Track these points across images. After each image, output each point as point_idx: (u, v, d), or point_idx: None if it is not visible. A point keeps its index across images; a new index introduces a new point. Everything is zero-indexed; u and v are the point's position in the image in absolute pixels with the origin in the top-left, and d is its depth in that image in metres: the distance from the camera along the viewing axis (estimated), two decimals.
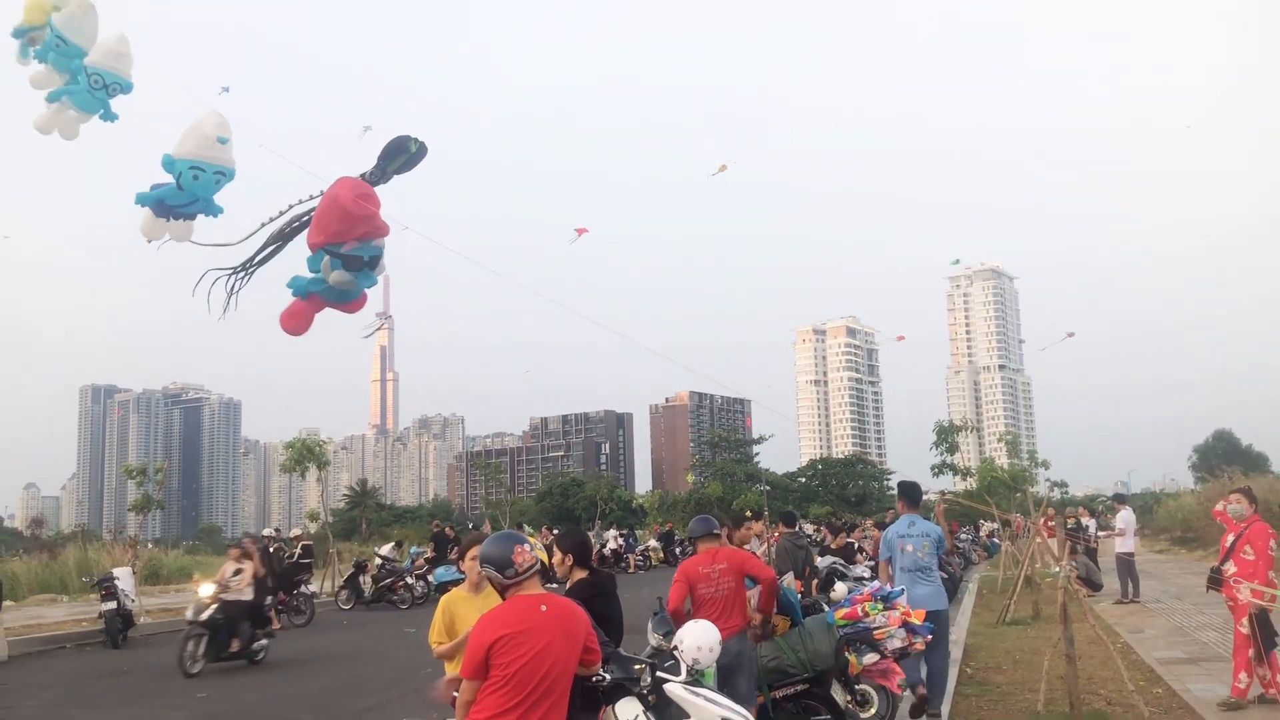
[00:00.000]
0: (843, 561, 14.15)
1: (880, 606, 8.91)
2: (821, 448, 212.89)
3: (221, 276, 7.51)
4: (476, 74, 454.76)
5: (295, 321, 7.40)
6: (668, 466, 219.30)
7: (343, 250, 6.91)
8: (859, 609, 8.82)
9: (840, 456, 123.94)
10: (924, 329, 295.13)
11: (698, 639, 6.24)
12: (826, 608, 9.39)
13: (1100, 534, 23.69)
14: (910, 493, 10.17)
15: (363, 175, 7.30)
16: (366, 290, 7.49)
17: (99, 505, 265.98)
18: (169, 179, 7.39)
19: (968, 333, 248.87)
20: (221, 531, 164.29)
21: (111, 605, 17.47)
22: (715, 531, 7.87)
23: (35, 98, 8.36)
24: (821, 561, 13.39)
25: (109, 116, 7.82)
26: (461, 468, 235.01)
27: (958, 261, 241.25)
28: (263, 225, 7.56)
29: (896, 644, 8.79)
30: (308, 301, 7.32)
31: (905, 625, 8.74)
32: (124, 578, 18.27)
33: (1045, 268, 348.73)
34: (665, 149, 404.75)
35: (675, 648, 6.36)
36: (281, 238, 7.52)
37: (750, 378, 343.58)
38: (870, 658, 8.60)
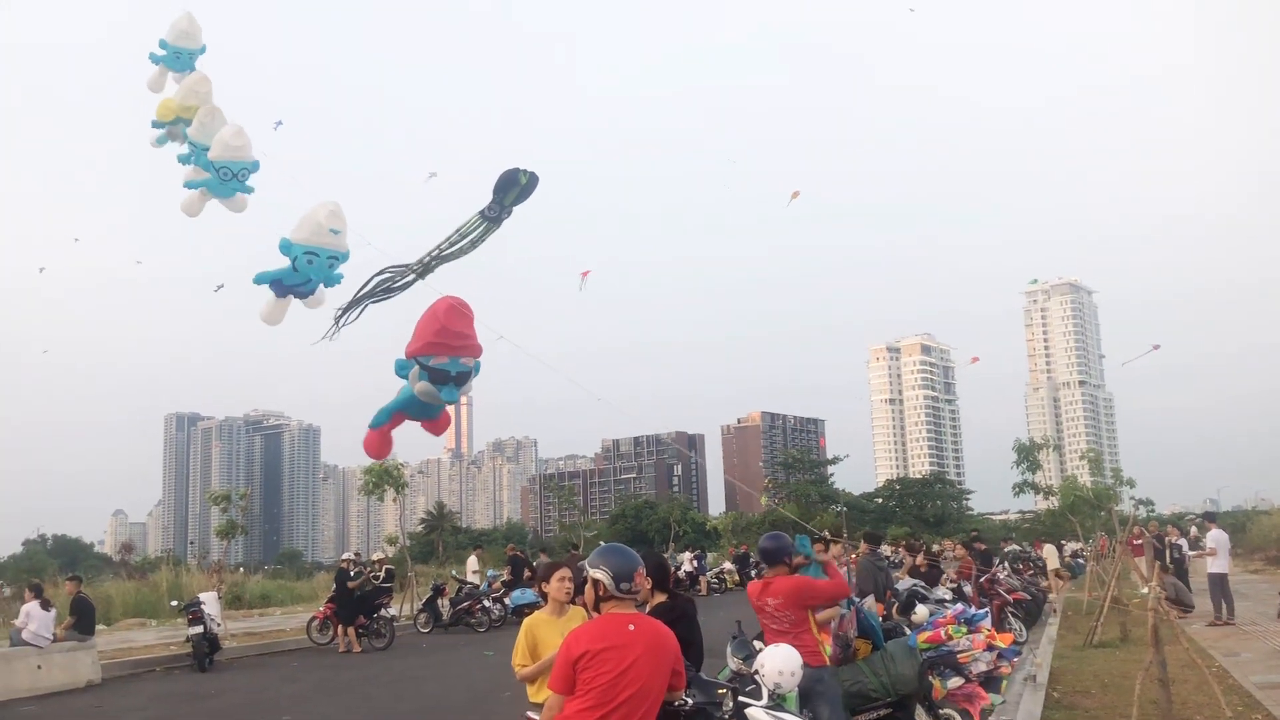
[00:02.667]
0: (924, 584, 13.91)
1: (964, 629, 8.77)
2: (898, 468, 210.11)
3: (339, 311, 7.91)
4: (553, 91, 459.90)
5: (378, 448, 7.84)
6: (741, 488, 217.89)
7: (431, 363, 7.21)
8: (942, 632, 8.68)
9: (918, 476, 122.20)
10: (1001, 345, 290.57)
11: (779, 663, 6.19)
12: (908, 630, 9.26)
13: (1191, 553, 23.01)
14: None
15: (482, 211, 7.64)
16: (449, 408, 7.89)
17: (184, 530, 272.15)
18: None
19: (1046, 348, 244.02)
20: (302, 556, 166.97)
21: (198, 629, 17.85)
22: (783, 559, 7.22)
23: (137, 137, 9.65)
24: (902, 584, 13.18)
25: (246, 190, 8.90)
26: (535, 490, 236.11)
27: (1035, 281, 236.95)
28: (368, 286, 7.98)
29: (981, 668, 8.63)
30: (390, 424, 7.70)
31: (990, 648, 8.59)
32: (210, 602, 18.66)
33: (1127, 280, 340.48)
34: (735, 165, 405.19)
35: (756, 672, 6.32)
36: (386, 289, 7.89)
37: (823, 397, 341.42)
38: (954, 682, 8.46)
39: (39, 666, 15.70)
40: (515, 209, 8.10)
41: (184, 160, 9.71)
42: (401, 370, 7.45)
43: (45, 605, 16.58)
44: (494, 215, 7.91)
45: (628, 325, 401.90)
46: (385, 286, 7.95)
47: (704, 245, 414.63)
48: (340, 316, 8.02)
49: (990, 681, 8.71)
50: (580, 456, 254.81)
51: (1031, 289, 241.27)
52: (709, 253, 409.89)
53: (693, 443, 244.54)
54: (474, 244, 7.96)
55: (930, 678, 8.26)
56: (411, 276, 7.91)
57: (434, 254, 7.94)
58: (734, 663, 8.40)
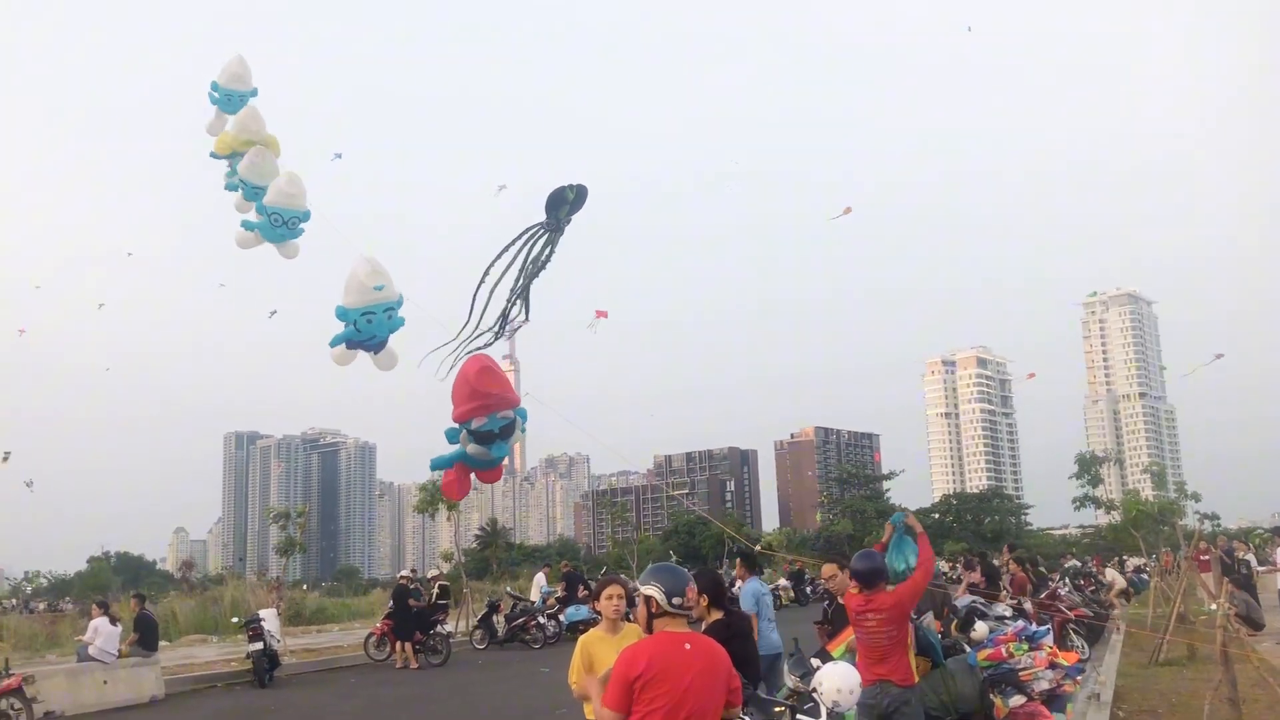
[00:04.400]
0: (983, 600, 13.69)
1: (1025, 647, 8.63)
2: (954, 482, 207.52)
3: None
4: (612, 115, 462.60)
5: (455, 489, 8.07)
6: (795, 503, 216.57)
7: (474, 427, 7.44)
8: (1003, 649, 8.55)
9: (975, 491, 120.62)
10: (1058, 357, 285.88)
11: (837, 681, 6.14)
12: (968, 648, 9.13)
13: (1260, 569, 22.44)
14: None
15: (542, 224, 7.86)
16: (504, 460, 8.17)
17: (243, 547, 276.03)
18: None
19: (1105, 360, 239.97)
20: (359, 573, 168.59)
21: (258, 646, 18.07)
22: (880, 580, 6.96)
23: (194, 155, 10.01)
24: (960, 600, 12.99)
25: (296, 236, 9.32)
26: (588, 506, 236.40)
27: (1095, 294, 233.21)
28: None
29: (1044, 686, 8.49)
30: (458, 469, 7.93)
31: (1053, 666, 8.44)
32: (269, 619, 18.87)
33: (1188, 290, 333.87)
34: (780, 179, 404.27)
35: (814, 689, 6.27)
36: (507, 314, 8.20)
37: (878, 411, 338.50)
38: (1016, 700, 8.32)
39: (105, 682, 16.00)
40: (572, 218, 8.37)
41: (231, 188, 10.05)
42: (452, 437, 7.75)
43: (111, 621, 16.91)
44: (553, 227, 8.17)
45: (680, 340, 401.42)
46: (505, 313, 8.26)
47: (756, 261, 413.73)
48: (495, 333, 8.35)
49: (1054, 700, 8.56)
50: (633, 473, 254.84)
51: (1090, 300, 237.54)
52: (761, 268, 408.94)
53: (745, 458, 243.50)
54: (546, 258, 8.17)
55: (992, 696, 8.13)
56: (517, 300, 8.21)
57: (524, 277, 8.18)
58: (791, 680, 8.35)
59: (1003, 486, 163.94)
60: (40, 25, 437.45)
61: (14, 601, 77.98)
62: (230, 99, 10.47)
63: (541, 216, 8.27)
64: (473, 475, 8.13)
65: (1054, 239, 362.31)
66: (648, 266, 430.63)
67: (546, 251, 8.23)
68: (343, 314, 8.08)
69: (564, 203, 8.13)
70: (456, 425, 7.66)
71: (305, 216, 9.36)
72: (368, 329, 8.10)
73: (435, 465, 8.13)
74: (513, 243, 8.17)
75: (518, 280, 8.25)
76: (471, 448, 7.65)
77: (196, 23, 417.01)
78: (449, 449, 7.95)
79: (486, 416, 7.51)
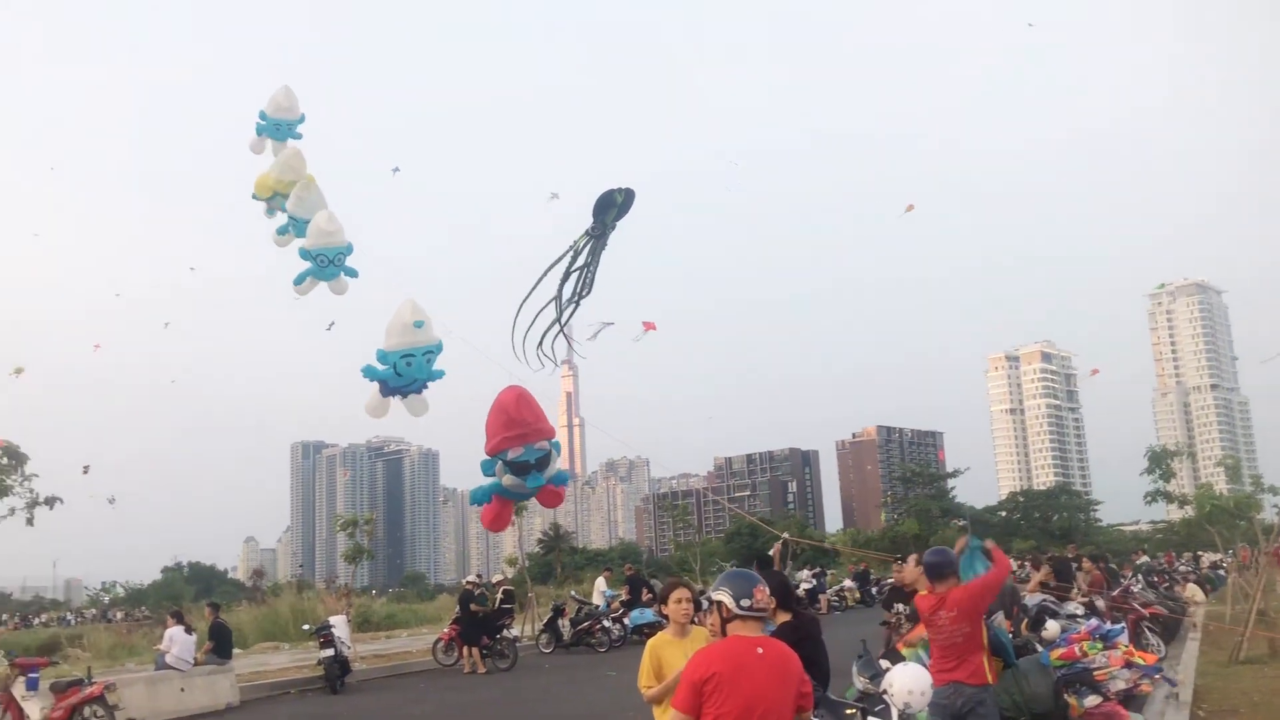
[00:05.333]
0: (1054, 599, 13.48)
1: (1100, 645, 8.49)
2: (1021, 479, 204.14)
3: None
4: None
5: (496, 523, 8.16)
6: (858, 504, 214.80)
7: (509, 458, 7.49)
8: (1076, 648, 8.42)
9: (1042, 488, 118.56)
10: (1125, 349, 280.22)
11: (908, 682, 6.09)
12: (1039, 647, 8.99)
13: None
14: None
15: (588, 231, 7.93)
16: (556, 485, 8.23)
17: (311, 556, 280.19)
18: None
19: (1174, 352, 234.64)
20: (425, 578, 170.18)
21: (330, 652, 18.33)
22: (951, 574, 6.99)
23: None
24: (1031, 599, 12.80)
25: (350, 273, 9.52)
26: (649, 510, 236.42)
27: (1162, 286, 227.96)
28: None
29: (1120, 685, 8.34)
30: (496, 502, 8.01)
31: (1129, 665, 8.28)
32: (339, 626, 19.13)
33: (1260, 278, 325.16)
34: (847, 180, 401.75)
35: (884, 691, 6.22)
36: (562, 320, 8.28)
37: (941, 408, 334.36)
38: (1092, 700, 8.18)
39: (182, 689, 16.35)
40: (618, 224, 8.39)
41: (282, 231, 10.20)
42: (487, 469, 7.81)
43: (186, 630, 17.28)
44: (598, 233, 8.18)
45: (739, 340, 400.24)
46: (561, 318, 8.32)
47: (815, 259, 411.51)
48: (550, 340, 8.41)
49: (1130, 700, 8.40)
50: (693, 475, 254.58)
51: (1157, 292, 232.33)
52: (818, 268, 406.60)
53: (807, 459, 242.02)
54: (591, 265, 8.20)
55: (1066, 696, 8.00)
56: (569, 310, 8.26)
57: (575, 289, 8.23)
58: (860, 682, 8.29)
59: (1070, 483, 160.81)
60: (102, 42, 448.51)
61: (93, 611, 79.99)
62: (279, 127, 10.67)
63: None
64: (531, 500, 8.20)
65: (1118, 231, 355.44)
66: (701, 267, 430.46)
67: (594, 258, 8.26)
68: (382, 357, 8.16)
69: (612, 206, 8.16)
70: (490, 457, 7.72)
71: (348, 250, 9.50)
72: (407, 372, 8.17)
73: (475, 499, 8.23)
74: (565, 255, 8.20)
75: (574, 289, 8.28)
76: (507, 479, 7.71)
77: (252, 39, 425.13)
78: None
79: (522, 447, 7.57)
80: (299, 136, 10.85)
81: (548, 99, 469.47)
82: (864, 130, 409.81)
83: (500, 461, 7.66)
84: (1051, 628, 9.50)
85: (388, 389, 8.30)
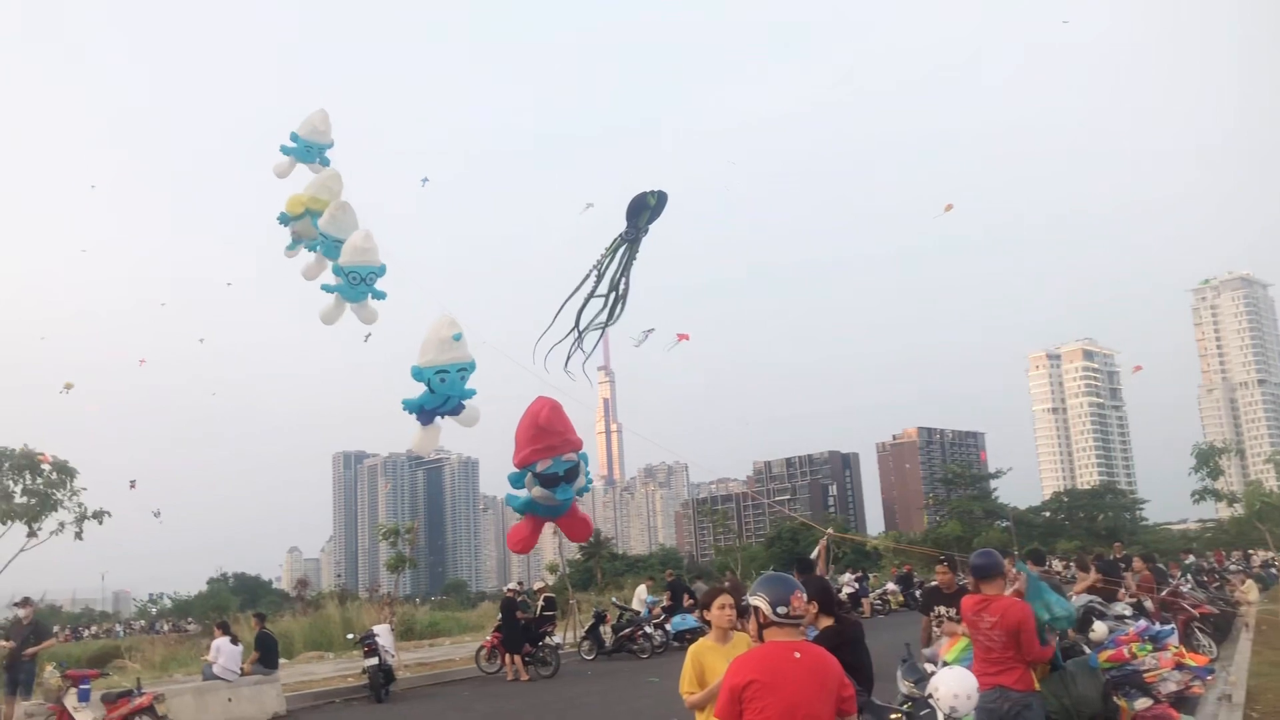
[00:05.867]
0: (1100, 600, 13.29)
1: (1149, 647, 8.36)
2: (1064, 479, 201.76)
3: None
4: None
5: (523, 544, 8.18)
6: (900, 506, 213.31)
7: (538, 469, 7.51)
8: (1125, 650, 8.29)
9: (1086, 487, 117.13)
10: (1168, 346, 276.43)
11: (954, 686, 6.01)
12: (1087, 650, 8.86)
13: None
14: None
15: (622, 234, 7.96)
16: (578, 500, 8.24)
17: (354, 565, 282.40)
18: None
19: (1219, 347, 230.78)
20: (467, 586, 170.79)
21: (374, 661, 18.43)
22: (998, 575, 6.97)
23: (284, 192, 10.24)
24: (1077, 600, 12.62)
25: (378, 296, 9.41)
26: (689, 515, 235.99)
27: (1207, 281, 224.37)
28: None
29: (1171, 688, 8.21)
30: (526, 520, 8.02)
31: (1180, 667, 8.14)
32: (383, 634, 19.23)
33: None
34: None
35: (930, 695, 6.16)
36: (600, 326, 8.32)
37: (982, 409, 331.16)
38: (1142, 703, 8.05)
39: (229, 699, 16.51)
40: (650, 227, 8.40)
41: (311, 248, 10.20)
42: (516, 481, 7.83)
43: (232, 641, 17.45)
44: (632, 237, 8.20)
45: (778, 341, 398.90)
46: (598, 325, 8.33)
47: (850, 256, 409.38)
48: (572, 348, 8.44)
49: (1182, 703, 8.25)
50: (732, 480, 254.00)
51: (1200, 287, 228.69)
52: (857, 264, 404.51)
53: (847, 462, 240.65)
54: (625, 269, 8.22)
55: (1116, 699, 7.87)
56: (607, 314, 8.27)
57: (613, 289, 8.25)
58: (905, 686, 8.22)
59: (1115, 482, 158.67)
60: (142, 61, 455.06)
61: (141, 623, 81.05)
62: (310, 150, 10.69)
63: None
64: (556, 530, 8.22)
65: (1160, 227, 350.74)
66: (734, 269, 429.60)
67: (628, 261, 8.27)
68: (418, 374, 8.20)
69: (645, 209, 8.18)
70: (520, 470, 7.74)
71: (380, 271, 9.47)
72: (441, 389, 8.19)
73: (513, 505, 8.26)
74: (600, 262, 8.22)
75: (608, 295, 8.29)
76: (536, 490, 7.73)
77: (288, 54, 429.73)
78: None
79: (551, 459, 7.59)
80: (326, 162, 10.78)
81: (581, 109, 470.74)
82: (899, 130, 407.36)
83: (529, 474, 7.68)
84: (1099, 629, 9.36)
85: (428, 414, 8.33)
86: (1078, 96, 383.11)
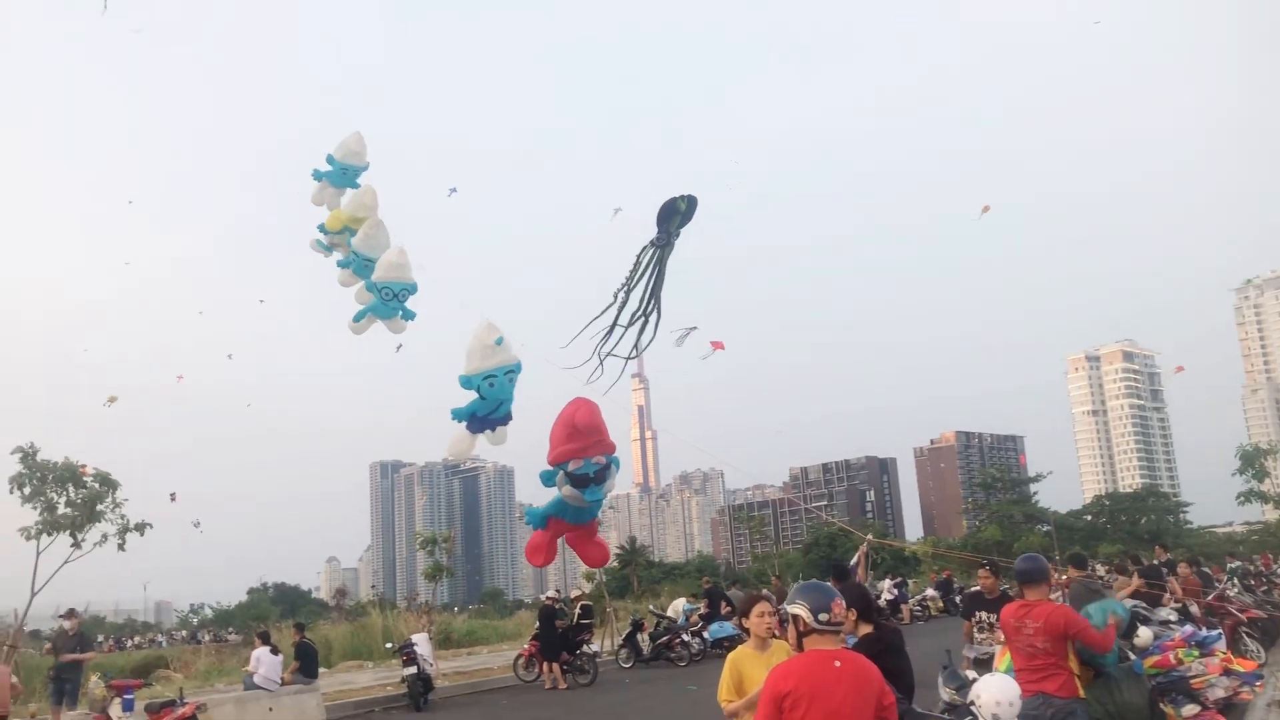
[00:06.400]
0: (1145, 604, 13.10)
1: (1196, 653, 8.21)
2: (1106, 482, 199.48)
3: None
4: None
5: (539, 555, 8.18)
6: (938, 511, 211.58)
7: (570, 469, 7.52)
8: (1171, 656, 8.15)
9: (1128, 491, 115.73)
10: (1211, 346, 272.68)
11: (996, 692, 5.94)
12: (1132, 655, 8.72)
13: None
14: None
15: (653, 241, 7.95)
16: (599, 513, 8.22)
17: (392, 574, 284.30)
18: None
19: (1263, 346, 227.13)
20: (504, 594, 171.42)
21: (412, 670, 18.51)
22: (1043, 580, 6.94)
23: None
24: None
25: (408, 316, 9.45)
26: (725, 522, 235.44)
27: (1250, 281, 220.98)
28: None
29: (1219, 694, 8.06)
30: (547, 530, 8.03)
31: (1228, 673, 7.99)
32: (421, 643, 19.30)
33: None
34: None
35: (972, 703, 6.08)
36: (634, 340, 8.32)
37: (1020, 412, 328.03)
38: (1190, 709, 7.91)
39: (271, 709, 16.64)
40: (681, 231, 8.38)
41: (343, 264, 10.26)
42: (548, 480, 7.84)
43: (273, 650, 17.59)
44: (663, 242, 8.17)
45: (813, 346, 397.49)
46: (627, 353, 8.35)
47: (886, 261, 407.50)
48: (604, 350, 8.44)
49: (1230, 709, 8.11)
50: (768, 486, 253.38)
51: (1244, 286, 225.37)
52: (891, 268, 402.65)
53: (884, 467, 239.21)
54: (659, 275, 8.19)
55: (1162, 706, 7.74)
56: (642, 321, 8.25)
57: (646, 300, 8.23)
58: (946, 693, 8.12)
59: (1158, 484, 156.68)
60: (179, 77, 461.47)
61: (183, 633, 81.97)
62: (346, 173, 10.74)
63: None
64: (606, 514, 8.20)
65: (1200, 226, 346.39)
66: (767, 272, 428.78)
67: (657, 271, 8.23)
68: (465, 381, 8.23)
69: (675, 214, 8.13)
70: (551, 468, 7.74)
71: (413, 289, 9.52)
72: (491, 393, 8.22)
73: (530, 519, 8.26)
74: (634, 271, 8.20)
75: (640, 300, 8.27)
76: (566, 490, 7.73)
77: (324, 72, 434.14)
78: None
79: (583, 460, 7.59)
80: (357, 186, 10.77)
81: (612, 120, 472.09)
82: (937, 123, 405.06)
83: (561, 472, 7.69)
84: (1144, 635, 9.21)
85: (477, 423, 8.36)
86: (1113, 91, 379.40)
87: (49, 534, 21.76)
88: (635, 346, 8.31)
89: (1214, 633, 9.18)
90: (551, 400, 8.50)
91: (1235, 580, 21.79)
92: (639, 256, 8.25)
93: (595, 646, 22.35)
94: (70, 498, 22.09)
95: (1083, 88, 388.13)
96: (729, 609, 24.43)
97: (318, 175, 10.92)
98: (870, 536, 10.11)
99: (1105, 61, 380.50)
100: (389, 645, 22.73)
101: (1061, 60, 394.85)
